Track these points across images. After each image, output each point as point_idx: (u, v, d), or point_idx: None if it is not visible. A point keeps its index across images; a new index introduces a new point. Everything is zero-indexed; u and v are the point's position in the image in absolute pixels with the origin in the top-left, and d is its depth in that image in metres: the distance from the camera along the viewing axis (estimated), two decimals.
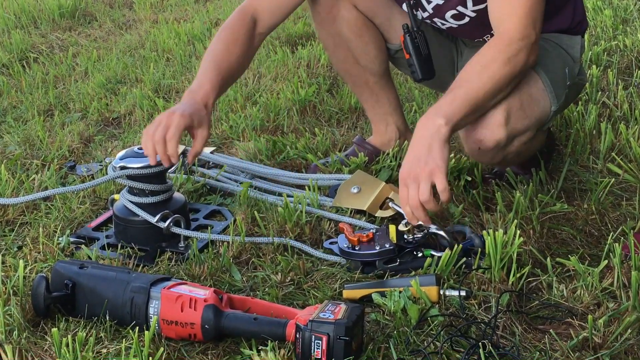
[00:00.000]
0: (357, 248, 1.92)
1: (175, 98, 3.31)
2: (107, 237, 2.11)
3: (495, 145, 1.96)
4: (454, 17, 2.14)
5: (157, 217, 2.03)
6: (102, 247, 2.06)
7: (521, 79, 1.98)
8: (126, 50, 4.02)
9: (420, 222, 1.85)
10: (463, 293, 1.75)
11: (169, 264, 1.95)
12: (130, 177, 2.05)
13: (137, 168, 2.04)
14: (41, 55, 4.01)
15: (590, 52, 3.25)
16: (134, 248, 2.04)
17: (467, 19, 2.13)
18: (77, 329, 1.67)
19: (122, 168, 2.05)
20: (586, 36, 3.20)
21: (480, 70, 1.91)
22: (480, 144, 1.97)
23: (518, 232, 1.85)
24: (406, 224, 1.95)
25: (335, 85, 3.32)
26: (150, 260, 1.99)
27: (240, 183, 2.39)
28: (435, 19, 2.19)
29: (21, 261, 1.81)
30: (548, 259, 1.85)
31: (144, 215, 2.04)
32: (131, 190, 2.08)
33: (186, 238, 2.06)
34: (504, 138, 1.96)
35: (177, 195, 2.15)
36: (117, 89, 3.43)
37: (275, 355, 1.54)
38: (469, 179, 2.31)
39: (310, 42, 3.89)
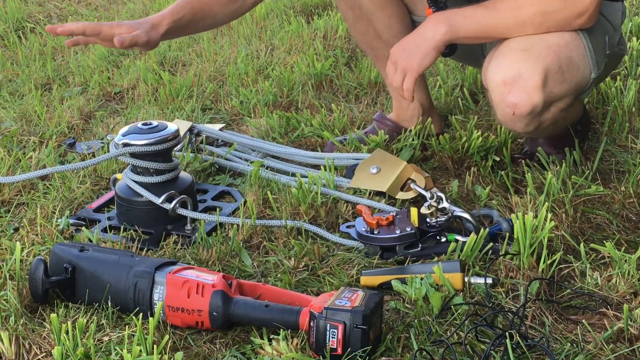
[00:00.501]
0: (376, 232, 1.93)
1: (182, 71, 3.33)
2: (109, 219, 2.12)
3: (531, 110, 1.97)
4: None
5: (163, 197, 2.05)
6: (104, 230, 2.07)
7: (562, 34, 1.99)
8: (129, 20, 4.02)
9: (443, 206, 1.94)
10: (489, 280, 1.75)
11: (174, 248, 1.97)
12: (133, 155, 2.07)
13: (141, 145, 2.05)
14: (38, 25, 4.03)
15: (630, 23, 3.23)
16: (138, 231, 2.06)
17: None
18: (77, 315, 1.69)
19: (125, 145, 2.07)
20: (626, 4, 3.18)
21: (512, 7, 1.96)
22: (515, 109, 1.97)
23: (549, 215, 1.85)
24: (429, 207, 1.97)
25: (354, 58, 3.32)
26: (154, 243, 2.00)
27: (251, 162, 2.41)
28: None
29: (18, 243, 1.83)
30: (581, 244, 1.86)
31: (148, 195, 2.05)
32: (135, 169, 2.09)
33: (193, 220, 2.07)
34: (541, 102, 1.96)
35: (184, 175, 2.17)
36: (120, 61, 3.45)
37: (287, 344, 1.55)
38: (497, 159, 2.31)
39: (327, 11, 3.89)
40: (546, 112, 2.01)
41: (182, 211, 2.06)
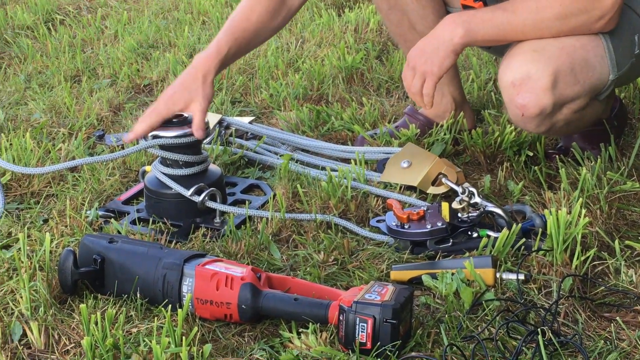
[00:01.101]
0: (406, 226, 1.93)
1: None
2: (137, 211, 2.15)
3: (540, 112, 1.97)
4: None
5: (192, 190, 2.06)
6: (133, 222, 2.10)
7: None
8: (159, 13, 4.06)
9: (475, 201, 1.96)
10: (521, 276, 1.75)
11: (203, 241, 1.99)
12: (163, 147, 2.09)
13: (171, 137, 2.07)
14: (68, 17, 4.07)
15: None
16: (166, 223, 2.08)
17: None
18: (106, 307, 1.71)
19: (155, 137, 2.09)
20: None
21: (532, 10, 1.94)
22: (524, 110, 1.97)
23: (583, 211, 1.85)
24: (460, 202, 1.97)
25: (385, 51, 3.33)
26: (183, 236, 2.02)
27: (280, 155, 2.42)
28: None
29: (47, 234, 1.86)
30: (616, 241, 1.85)
31: (177, 188, 2.07)
32: (164, 162, 2.11)
33: (222, 213, 2.09)
34: (550, 104, 1.96)
35: (213, 167, 2.19)
36: (149, 53, 3.47)
37: (316, 338, 1.56)
38: (531, 154, 2.31)
39: (359, 4, 3.89)
40: (558, 114, 2.01)
41: (211, 204, 2.08)
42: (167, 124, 2.10)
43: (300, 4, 2.30)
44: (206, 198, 2.07)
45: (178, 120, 2.10)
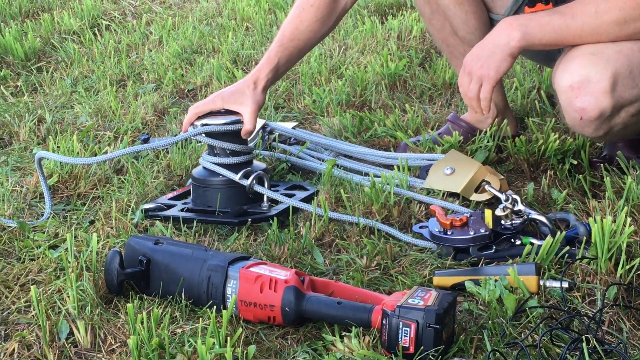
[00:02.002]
0: (449, 233, 1.94)
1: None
2: (184, 203, 2.18)
3: (599, 115, 1.96)
4: None
5: (240, 174, 2.11)
6: (177, 220, 2.13)
7: None
8: (203, 19, 4.10)
9: (519, 208, 1.97)
10: (565, 284, 1.75)
11: (247, 242, 2.01)
12: (211, 135, 2.14)
13: (219, 124, 2.13)
14: (113, 22, 4.13)
15: None
16: (215, 211, 2.13)
17: None
18: (151, 307, 1.74)
19: (204, 125, 2.14)
20: None
21: (591, 14, 1.94)
22: (583, 113, 1.96)
23: (629, 220, 1.83)
24: (504, 209, 1.97)
25: (428, 58, 3.33)
26: (232, 222, 2.06)
27: (323, 161, 2.43)
28: None
29: (94, 235, 1.89)
30: None
31: (226, 173, 2.11)
32: (212, 151, 2.16)
33: (269, 199, 2.13)
34: (609, 107, 1.95)
35: (258, 162, 2.23)
36: (193, 59, 3.51)
37: (359, 342, 1.57)
38: (575, 162, 2.30)
39: (402, 11, 3.90)
40: (616, 117, 2.00)
41: (258, 188, 2.11)
42: (215, 113, 2.18)
43: (348, 8, 2.33)
44: (254, 182, 2.10)
45: (226, 110, 2.17)
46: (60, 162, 2.40)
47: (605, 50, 1.96)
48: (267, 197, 2.14)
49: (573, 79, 1.96)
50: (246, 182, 2.11)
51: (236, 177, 2.11)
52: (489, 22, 2.38)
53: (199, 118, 2.19)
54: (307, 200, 2.20)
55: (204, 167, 2.18)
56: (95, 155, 2.53)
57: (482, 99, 2.05)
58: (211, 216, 2.11)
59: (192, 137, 2.18)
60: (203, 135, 2.16)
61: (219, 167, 2.14)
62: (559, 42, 2.03)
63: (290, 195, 2.21)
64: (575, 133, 2.36)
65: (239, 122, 2.16)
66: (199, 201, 2.17)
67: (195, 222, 2.08)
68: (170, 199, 2.24)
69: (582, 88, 1.94)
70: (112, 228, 2.09)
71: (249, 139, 2.20)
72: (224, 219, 2.06)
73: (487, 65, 2.02)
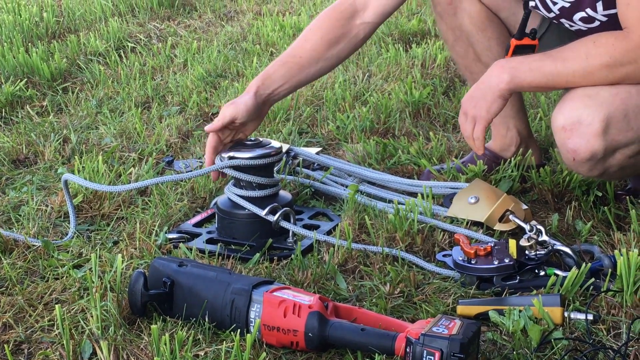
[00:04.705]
0: (473, 262, 1.93)
1: None
2: (208, 232, 2.19)
3: (590, 157, 1.97)
4: (582, 20, 2.13)
5: (266, 210, 2.10)
6: (208, 241, 2.15)
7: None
8: (227, 43, 4.14)
9: (543, 239, 1.97)
10: (590, 317, 1.74)
11: (270, 267, 2.01)
12: (237, 168, 2.14)
13: (246, 158, 2.12)
14: (139, 45, 4.17)
15: None
16: (240, 244, 2.13)
17: (597, 23, 2.12)
18: (174, 329, 1.74)
19: (231, 158, 2.14)
20: None
21: (581, 59, 1.96)
22: (575, 155, 1.98)
23: None
24: (528, 239, 1.96)
25: (452, 87, 3.34)
26: (256, 252, 2.07)
27: (347, 186, 2.44)
28: (563, 20, 2.18)
29: (119, 256, 1.90)
30: None
31: (252, 208, 2.11)
32: (238, 183, 2.16)
33: (295, 234, 2.12)
34: (601, 149, 1.96)
35: (283, 192, 2.23)
36: (218, 82, 3.54)
37: None
38: (600, 194, 2.30)
39: (426, 40, 3.92)
40: (610, 158, 2.00)
41: (284, 224, 2.11)
42: (242, 145, 2.17)
43: (362, 36, 2.33)
44: (280, 218, 2.10)
45: (253, 143, 2.16)
46: None
47: (601, 93, 1.97)
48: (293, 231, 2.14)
49: (566, 120, 1.98)
50: (272, 219, 2.11)
51: (262, 213, 2.11)
52: None
53: (226, 149, 2.19)
54: (332, 231, 2.20)
55: (230, 198, 2.18)
56: (120, 176, 2.54)
57: (475, 139, 2.09)
58: (236, 250, 2.10)
59: (219, 170, 2.18)
60: (230, 167, 2.16)
61: (245, 202, 2.14)
62: (549, 86, 2.06)
63: (315, 227, 2.21)
64: None
65: (270, 155, 2.16)
66: (224, 232, 2.18)
67: (219, 245, 2.09)
68: (195, 224, 2.25)
69: (574, 130, 1.96)
70: (135, 249, 2.10)
71: (279, 162, 2.20)
72: (248, 256, 2.05)
73: (480, 106, 2.06)
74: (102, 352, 1.66)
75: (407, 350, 1.56)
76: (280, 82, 2.29)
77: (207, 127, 2.21)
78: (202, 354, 1.67)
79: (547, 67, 2.01)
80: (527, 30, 2.16)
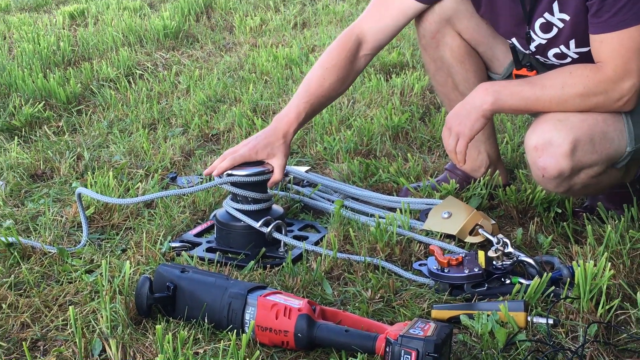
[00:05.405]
0: (446, 270, 1.94)
1: (271, 118, 3.38)
2: (208, 242, 2.18)
3: (558, 174, 1.99)
4: (556, 55, 2.15)
5: (260, 222, 2.11)
6: (208, 250, 2.14)
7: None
8: (226, 71, 4.14)
9: (509, 250, 1.98)
10: (551, 321, 1.75)
11: (264, 273, 2.01)
12: (235, 184, 2.14)
13: (243, 176, 2.13)
14: (146, 72, 4.16)
15: None
16: (236, 252, 2.12)
17: (569, 59, 2.13)
18: (176, 329, 1.74)
19: (229, 175, 2.14)
20: None
21: (558, 87, 1.98)
22: (544, 172, 2.00)
23: (608, 265, 1.84)
24: (496, 251, 1.97)
25: (428, 113, 3.35)
26: (251, 260, 2.07)
27: (333, 202, 2.44)
28: (538, 56, 2.20)
29: (127, 262, 1.89)
30: (638, 293, 1.84)
31: (248, 220, 2.11)
32: (235, 198, 2.16)
33: (286, 244, 2.12)
34: (568, 168, 1.98)
35: (276, 206, 2.23)
36: (217, 107, 3.54)
37: None
38: (560, 211, 2.31)
39: (404, 71, 3.93)
40: (576, 177, 2.03)
41: (277, 235, 2.11)
42: (240, 165, 2.19)
43: (361, 70, 2.35)
44: (273, 229, 2.10)
45: (249, 163, 2.18)
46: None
47: (571, 118, 1.99)
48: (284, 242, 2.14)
49: (538, 140, 1.99)
50: (266, 230, 2.11)
51: (256, 225, 2.11)
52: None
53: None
54: (319, 242, 2.20)
55: (228, 212, 2.18)
56: (128, 190, 2.54)
57: (458, 152, 2.09)
58: (233, 258, 2.10)
59: (219, 185, 2.18)
60: (228, 183, 2.16)
61: (241, 214, 2.14)
62: (528, 109, 2.07)
63: (304, 237, 2.21)
64: None
65: (264, 173, 2.17)
66: (222, 242, 2.17)
67: (217, 254, 2.09)
68: (196, 235, 2.25)
69: (545, 150, 1.98)
70: (142, 256, 2.10)
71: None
72: (244, 263, 2.05)
73: (464, 124, 2.06)
74: (111, 349, 1.65)
75: (387, 350, 1.57)
76: (307, 121, 2.32)
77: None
78: (202, 351, 1.67)
79: (526, 92, 2.02)
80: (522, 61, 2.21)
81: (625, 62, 1.93)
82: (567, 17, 2.03)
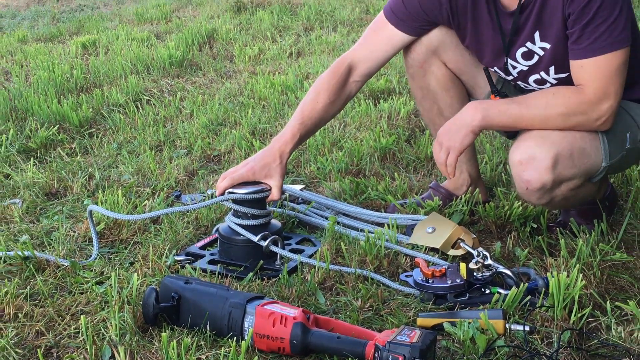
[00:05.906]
0: (430, 281, 1.94)
1: (269, 140, 3.40)
2: (211, 254, 2.19)
3: (541, 187, 2.00)
4: (536, 81, 2.16)
5: (259, 236, 2.11)
6: (210, 262, 2.15)
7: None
8: (227, 97, 4.14)
9: (488, 263, 1.99)
10: (527, 328, 1.75)
11: (261, 284, 2.01)
12: (235, 201, 2.14)
13: (243, 194, 2.13)
14: (153, 97, 4.17)
15: None
16: (236, 265, 2.12)
17: (548, 85, 2.15)
18: (180, 336, 1.74)
19: (230, 193, 2.15)
20: None
21: (542, 107, 1.99)
22: (528, 185, 2.01)
23: (580, 276, 1.85)
24: (476, 263, 1.98)
25: (413, 136, 3.36)
26: (249, 272, 2.06)
27: (326, 218, 2.45)
28: (519, 82, 2.22)
29: (135, 275, 1.89)
30: (608, 302, 1.85)
31: (247, 234, 2.12)
32: (235, 214, 2.16)
33: (282, 257, 2.13)
34: (550, 181, 1.99)
35: (274, 221, 2.23)
36: (219, 130, 3.54)
37: None
38: (535, 226, 2.31)
39: (391, 96, 3.95)
40: (557, 190, 2.03)
41: (273, 248, 2.11)
42: (240, 183, 2.19)
43: (353, 94, 2.35)
44: (270, 243, 2.11)
45: (249, 182, 2.18)
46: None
47: (552, 135, 2.00)
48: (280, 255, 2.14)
49: (522, 155, 2.00)
50: (263, 244, 2.11)
51: (255, 239, 2.12)
52: None
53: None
54: (313, 255, 2.20)
55: (229, 226, 2.18)
56: (136, 207, 2.54)
57: (448, 165, 2.08)
58: (233, 270, 2.10)
59: (221, 202, 2.18)
60: (230, 201, 2.17)
61: (242, 229, 2.14)
62: (513, 126, 2.07)
63: (300, 251, 2.22)
64: None
65: (262, 191, 2.17)
66: (224, 254, 2.17)
67: (219, 266, 2.09)
68: (201, 247, 2.25)
69: (529, 164, 1.99)
70: (149, 269, 2.09)
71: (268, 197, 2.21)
72: (243, 275, 2.05)
73: (454, 139, 2.06)
74: (119, 356, 1.65)
75: (376, 355, 1.57)
76: (302, 141, 2.32)
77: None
78: (204, 357, 1.66)
79: (512, 110, 2.03)
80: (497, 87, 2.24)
81: (604, 85, 1.95)
82: (547, 46, 2.04)
